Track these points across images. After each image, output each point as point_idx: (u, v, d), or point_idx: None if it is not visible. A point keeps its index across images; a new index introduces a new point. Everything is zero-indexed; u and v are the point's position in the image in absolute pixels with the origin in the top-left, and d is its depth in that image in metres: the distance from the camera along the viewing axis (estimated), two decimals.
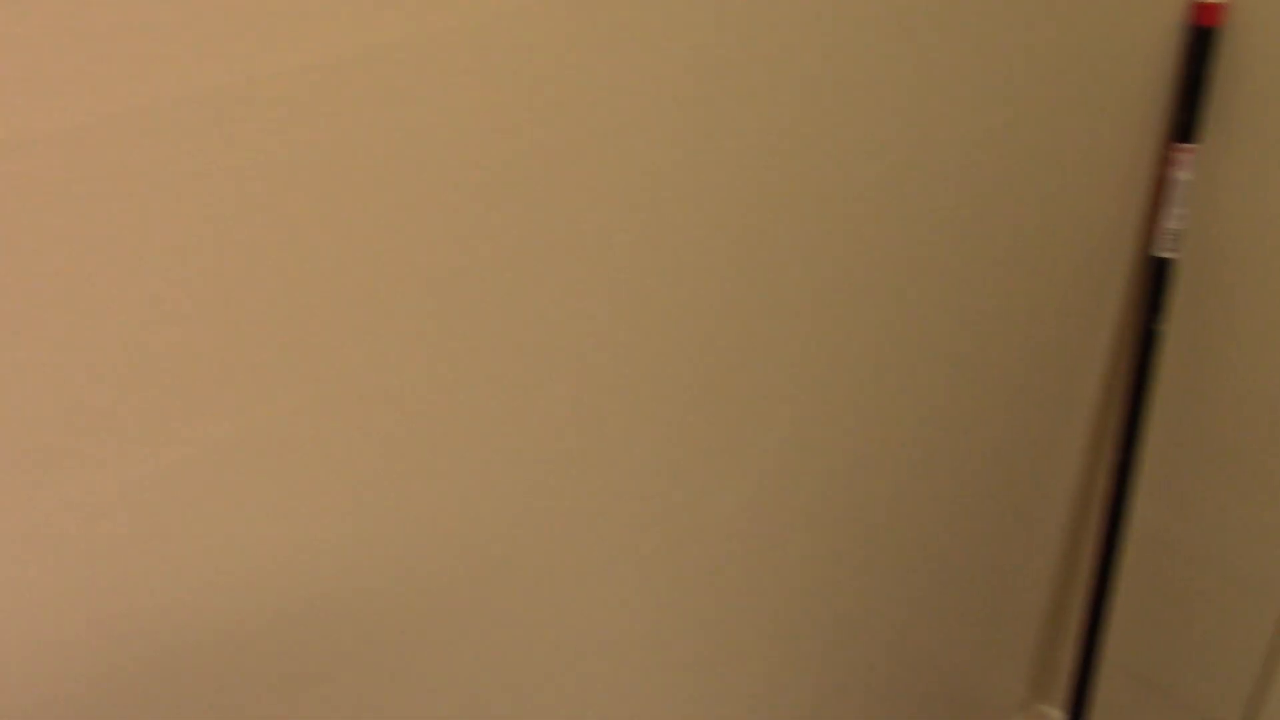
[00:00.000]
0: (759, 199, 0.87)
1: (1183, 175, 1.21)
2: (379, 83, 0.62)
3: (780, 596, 1.12)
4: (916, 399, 1.13)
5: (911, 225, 1.01)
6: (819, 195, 0.91)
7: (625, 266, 0.80)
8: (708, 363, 0.91)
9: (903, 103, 0.94)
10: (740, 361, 0.93)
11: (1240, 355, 1.29)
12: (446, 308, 0.72)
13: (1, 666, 0.62)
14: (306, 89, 0.59)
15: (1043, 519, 1.44)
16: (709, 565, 1.02)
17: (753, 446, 0.99)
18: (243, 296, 0.62)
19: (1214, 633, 1.44)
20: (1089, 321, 1.30)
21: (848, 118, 0.90)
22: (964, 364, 1.17)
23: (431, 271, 0.70)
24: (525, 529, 0.84)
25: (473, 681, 0.88)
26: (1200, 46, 1.16)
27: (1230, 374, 1.31)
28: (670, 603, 1.01)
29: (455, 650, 0.85)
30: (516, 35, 0.67)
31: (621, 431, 0.87)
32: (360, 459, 0.72)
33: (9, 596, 0.60)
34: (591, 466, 0.86)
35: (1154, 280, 1.28)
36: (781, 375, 0.98)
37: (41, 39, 0.50)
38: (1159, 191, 1.26)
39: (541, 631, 0.91)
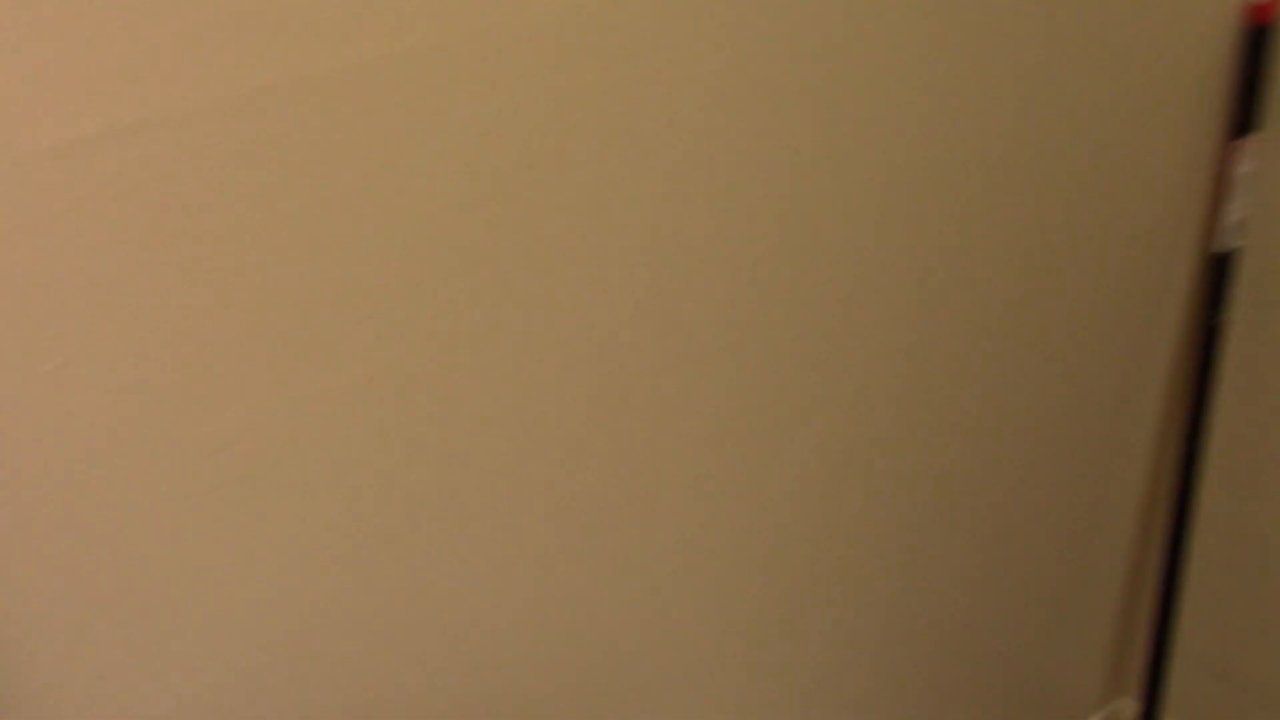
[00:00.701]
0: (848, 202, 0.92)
1: (1243, 169, 1.24)
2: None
3: (842, 588, 1.16)
4: (984, 396, 1.17)
5: (976, 224, 1.05)
6: (888, 199, 0.96)
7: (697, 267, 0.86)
8: (763, 351, 0.95)
9: (962, 108, 0.98)
10: (801, 357, 0.98)
11: None
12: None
13: None
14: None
15: (1113, 515, 1.46)
16: (769, 558, 1.07)
17: (807, 449, 1.03)
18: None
19: None
20: (1153, 316, 1.33)
21: (911, 124, 0.95)
22: (1029, 362, 1.20)
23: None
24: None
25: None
26: (1256, 44, 1.19)
27: None
28: (723, 592, 1.05)
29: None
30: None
31: (677, 420, 0.92)
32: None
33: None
34: (652, 459, 0.92)
35: (1216, 274, 1.30)
36: (847, 373, 1.02)
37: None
38: (1219, 187, 1.29)
39: (613, 613, 0.96)
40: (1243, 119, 1.22)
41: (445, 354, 0.75)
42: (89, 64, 0.56)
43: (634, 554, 0.94)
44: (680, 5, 0.77)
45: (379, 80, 0.66)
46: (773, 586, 1.08)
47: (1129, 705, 1.63)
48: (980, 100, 1.00)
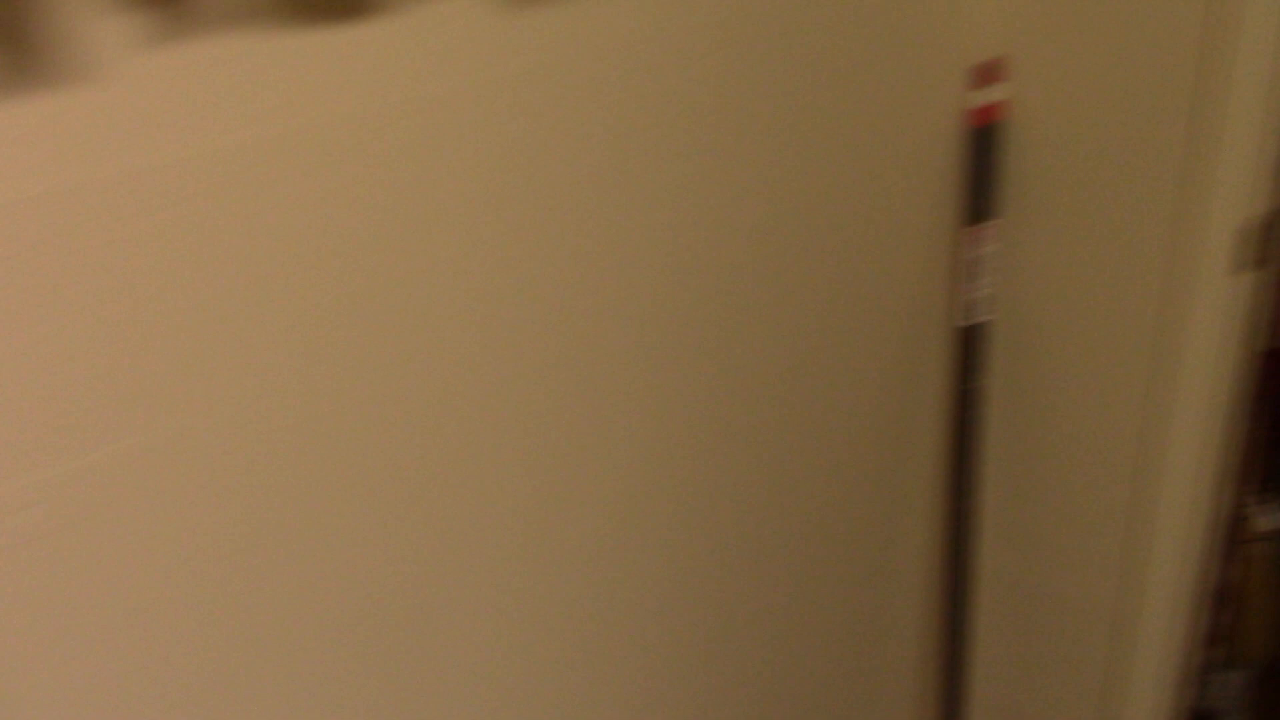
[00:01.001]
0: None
1: (986, 250, 1.40)
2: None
3: (645, 652, 1.22)
4: (765, 466, 1.27)
5: (743, 311, 1.16)
6: (658, 282, 1.06)
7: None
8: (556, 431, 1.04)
9: (711, 204, 1.09)
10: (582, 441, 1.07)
11: (1057, 402, 1.46)
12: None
13: None
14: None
15: (901, 572, 1.57)
16: (567, 628, 1.14)
17: (594, 517, 1.12)
18: None
19: (1059, 660, 1.58)
20: (913, 385, 1.46)
21: (672, 211, 1.05)
22: (806, 434, 1.31)
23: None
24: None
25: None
26: (984, 141, 1.35)
27: (1049, 419, 1.47)
28: (527, 658, 1.12)
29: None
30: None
31: (476, 466, 1.00)
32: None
33: None
34: (454, 508, 1.00)
35: (967, 343, 1.45)
36: (630, 451, 1.11)
37: None
38: (963, 267, 1.44)
39: (426, 666, 1.03)
40: (978, 207, 1.38)
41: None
42: None
43: (427, 640, 1.00)
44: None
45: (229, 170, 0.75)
46: (573, 661, 1.14)
47: None
48: (734, 203, 1.12)
